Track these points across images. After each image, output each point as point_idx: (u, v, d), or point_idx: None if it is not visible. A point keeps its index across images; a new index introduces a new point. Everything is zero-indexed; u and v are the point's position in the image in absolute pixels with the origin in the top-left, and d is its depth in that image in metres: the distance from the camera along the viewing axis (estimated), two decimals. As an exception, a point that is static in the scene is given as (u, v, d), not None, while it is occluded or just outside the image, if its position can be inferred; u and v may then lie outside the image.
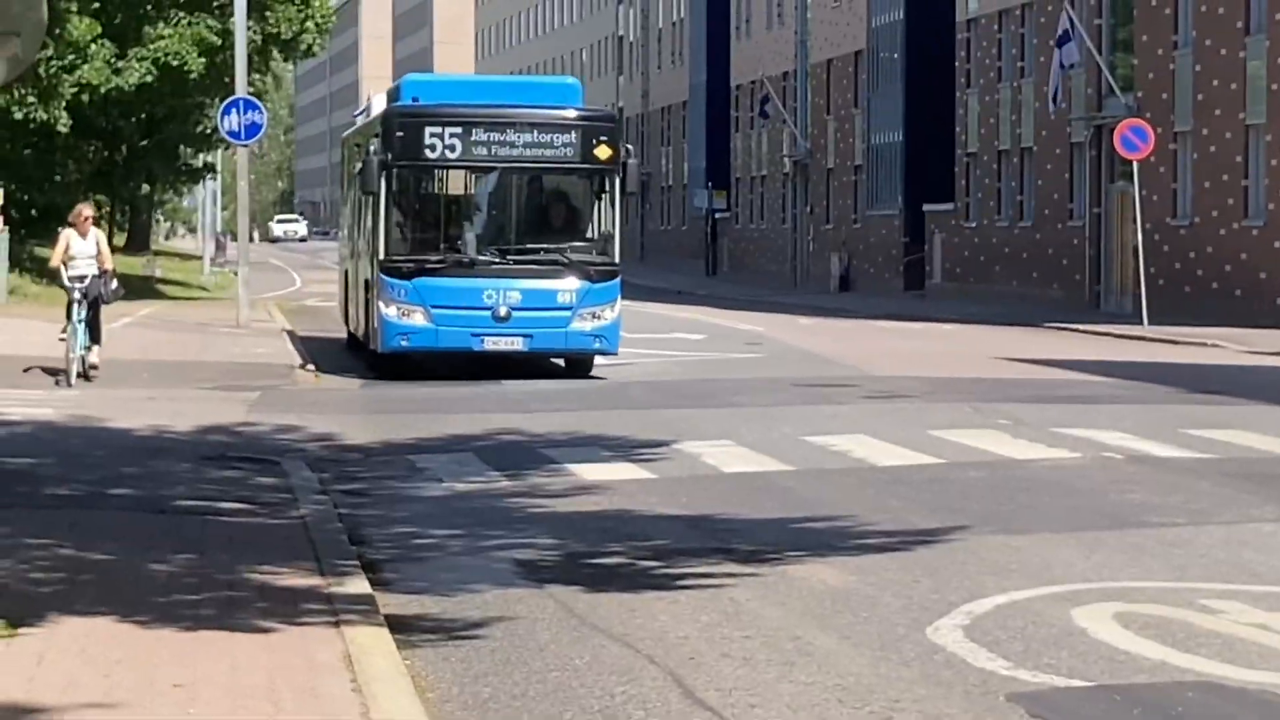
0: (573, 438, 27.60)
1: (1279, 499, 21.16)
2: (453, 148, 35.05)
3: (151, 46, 62.52)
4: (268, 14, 64.21)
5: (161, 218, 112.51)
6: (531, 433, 28.55)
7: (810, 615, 14.99)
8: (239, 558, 16.64)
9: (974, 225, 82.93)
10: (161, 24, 62.81)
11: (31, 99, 55.82)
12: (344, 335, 52.32)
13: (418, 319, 35.18)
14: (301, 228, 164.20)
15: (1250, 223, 57.81)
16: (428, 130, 35.27)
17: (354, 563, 16.79)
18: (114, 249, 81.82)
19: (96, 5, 56.58)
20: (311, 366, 42.51)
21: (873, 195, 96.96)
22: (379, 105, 45.80)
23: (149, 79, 62.58)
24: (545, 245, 36.32)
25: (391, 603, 15.32)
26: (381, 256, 36.50)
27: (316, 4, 69.41)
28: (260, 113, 50.52)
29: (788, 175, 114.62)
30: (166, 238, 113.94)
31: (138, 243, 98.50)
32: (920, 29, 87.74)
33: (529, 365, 35.65)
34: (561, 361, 44.38)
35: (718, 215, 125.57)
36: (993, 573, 16.44)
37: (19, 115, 57.56)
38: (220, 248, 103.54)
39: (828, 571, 16.84)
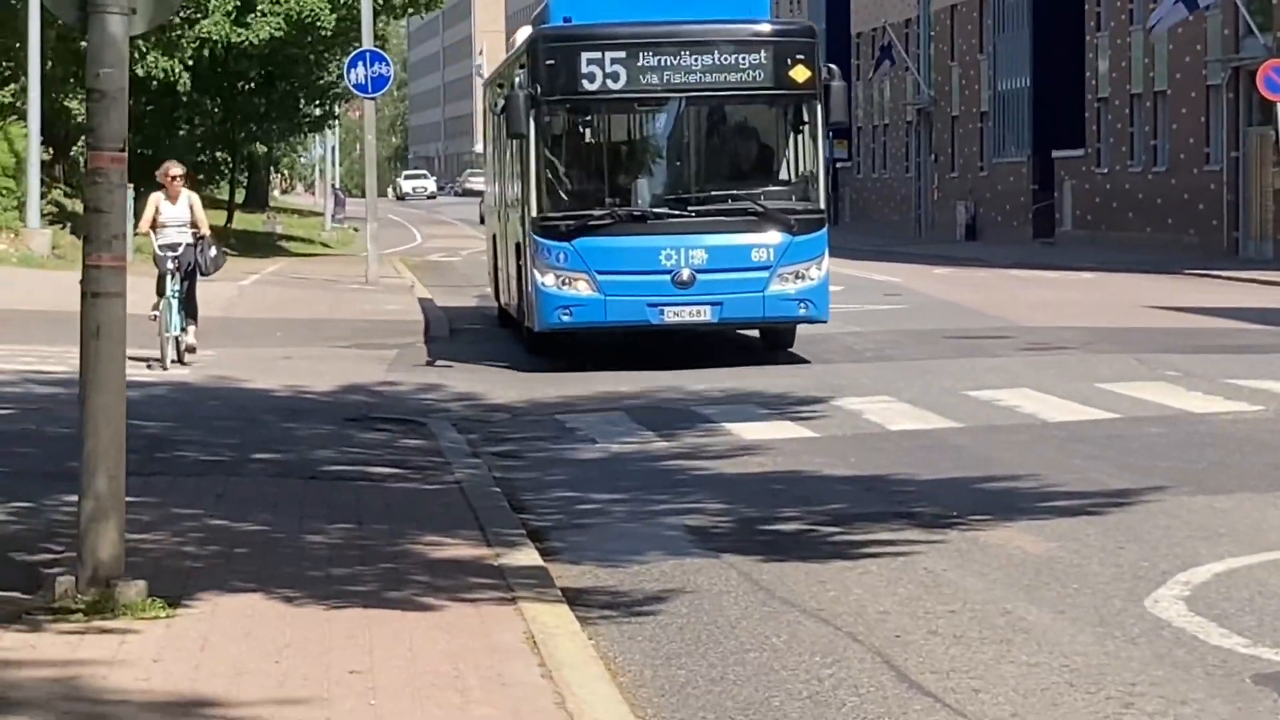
0: (727, 395, 27.05)
1: None
2: (615, 76, 27.05)
3: (291, 4, 61.88)
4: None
5: (279, 173, 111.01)
6: (683, 390, 27.90)
7: (1016, 586, 14.20)
8: (398, 527, 16.12)
9: (1106, 171, 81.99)
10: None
11: (153, 54, 55.34)
12: (480, 301, 48.72)
13: (581, 288, 27.61)
14: (430, 184, 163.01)
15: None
16: (584, 55, 27.55)
17: (519, 531, 16.25)
18: (233, 206, 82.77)
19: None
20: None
21: (999, 142, 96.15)
22: (525, 35, 36.94)
23: (279, 33, 61.95)
24: (734, 191, 28.32)
25: (563, 574, 14.73)
26: (534, 214, 28.77)
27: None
28: (387, 64, 49.69)
29: (911, 123, 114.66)
30: (284, 193, 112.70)
31: (257, 199, 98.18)
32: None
33: (718, 347, 28.64)
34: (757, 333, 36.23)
35: (839, 165, 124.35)
36: (1203, 537, 15.55)
37: (140, 71, 56.77)
38: (339, 203, 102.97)
39: (1024, 537, 16.08)
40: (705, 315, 26.49)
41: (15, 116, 50.38)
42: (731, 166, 27.15)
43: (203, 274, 30.51)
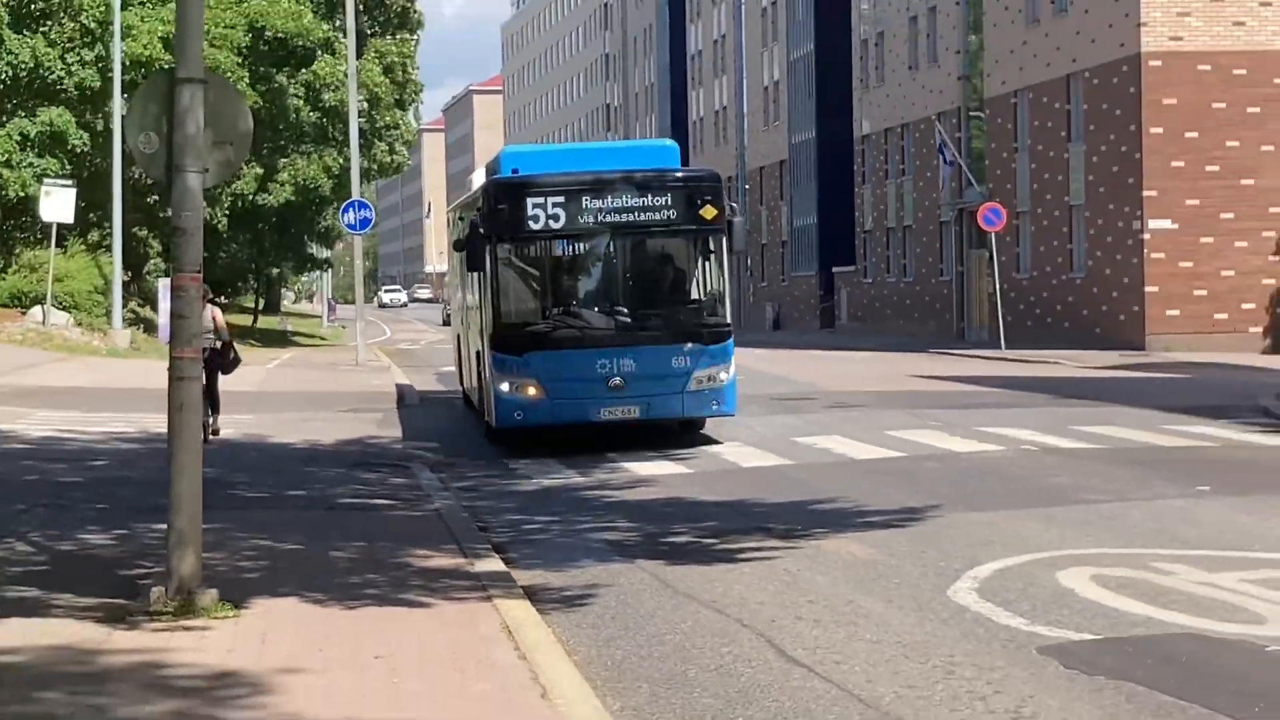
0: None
1: (1169, 478, 20.00)
2: (556, 216, 24.85)
3: (293, 171, 61.55)
4: (372, 149, 63.00)
5: (289, 288, 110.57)
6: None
7: (853, 582, 13.89)
8: (398, 544, 15.67)
9: (870, 281, 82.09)
10: (297, 156, 61.72)
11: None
12: (438, 377, 46.12)
13: (532, 393, 24.73)
14: (404, 295, 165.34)
15: (1074, 275, 56.68)
16: (530, 201, 24.95)
17: (486, 545, 15.92)
18: (257, 311, 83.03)
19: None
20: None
21: (796, 261, 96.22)
22: (480, 180, 34.49)
23: (292, 198, 61.69)
24: (656, 310, 25.79)
25: (521, 577, 14.32)
26: (491, 331, 25.65)
27: (402, 130, 68.71)
28: (369, 210, 48.99)
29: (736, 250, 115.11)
30: (294, 302, 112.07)
31: (273, 307, 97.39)
32: (827, 143, 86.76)
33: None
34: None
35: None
36: (981, 544, 15.29)
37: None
38: (332, 309, 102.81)
39: (852, 545, 15.72)
40: (635, 413, 23.99)
41: (104, 249, 49.48)
42: (654, 289, 24.81)
43: (224, 373, 26.72)
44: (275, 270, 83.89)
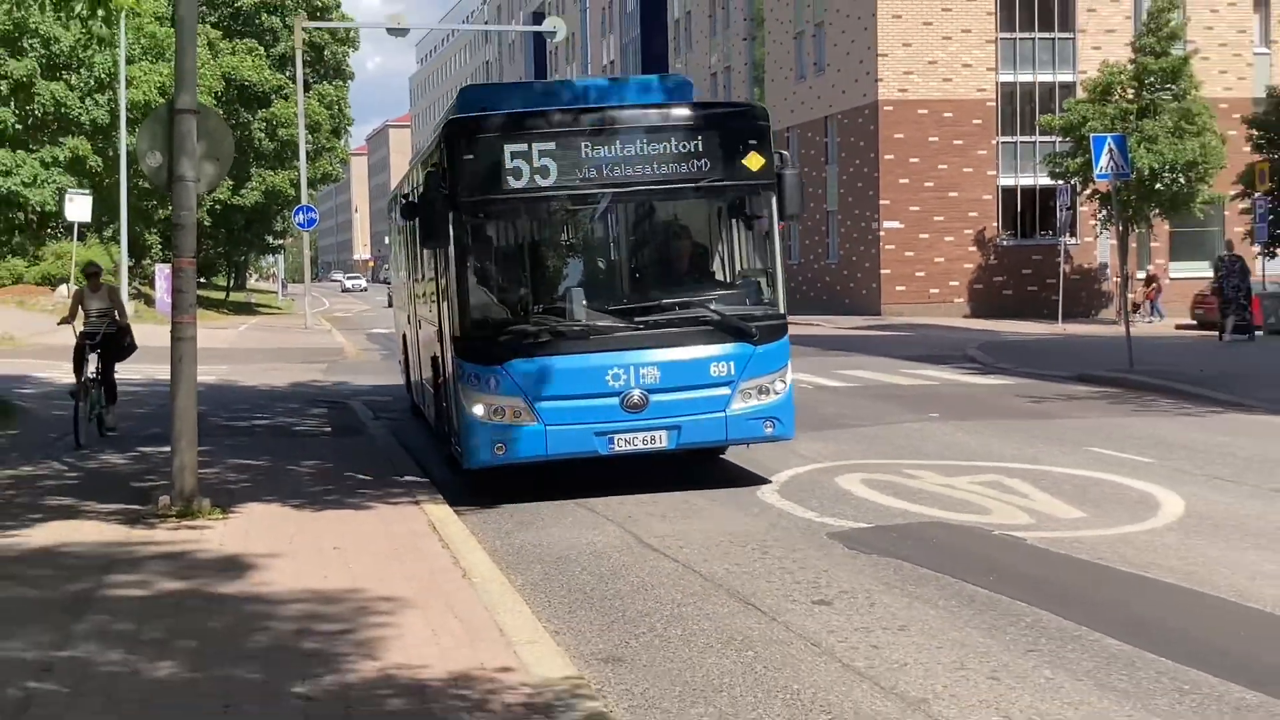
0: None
1: (909, 408, 19.87)
2: (545, 170, 12.67)
3: (264, 179, 60.51)
4: (315, 163, 61.74)
5: (251, 270, 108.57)
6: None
7: (688, 487, 13.40)
8: (344, 463, 15.09)
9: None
10: (265, 171, 60.65)
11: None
12: (369, 340, 42.98)
13: (517, 418, 12.97)
14: (363, 281, 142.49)
15: (829, 261, 56.91)
16: (508, 148, 12.77)
17: (412, 462, 15.27)
18: (229, 289, 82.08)
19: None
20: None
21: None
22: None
23: (260, 201, 60.56)
24: (687, 298, 13.49)
25: (440, 487, 13.61)
26: (457, 333, 13.40)
27: (336, 150, 67.71)
28: (315, 213, 48.12)
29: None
30: (256, 281, 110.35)
31: (239, 285, 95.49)
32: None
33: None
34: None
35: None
36: (777, 458, 14.83)
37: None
38: (284, 286, 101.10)
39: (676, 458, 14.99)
40: (661, 441, 13.15)
41: (113, 241, 48.47)
42: (682, 270, 13.39)
43: (118, 360, 17.45)
44: (243, 257, 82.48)
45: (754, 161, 12.72)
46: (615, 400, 12.43)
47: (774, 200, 12.82)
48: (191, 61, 12.12)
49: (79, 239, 45.63)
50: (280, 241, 79.11)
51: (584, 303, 12.68)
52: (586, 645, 8.00)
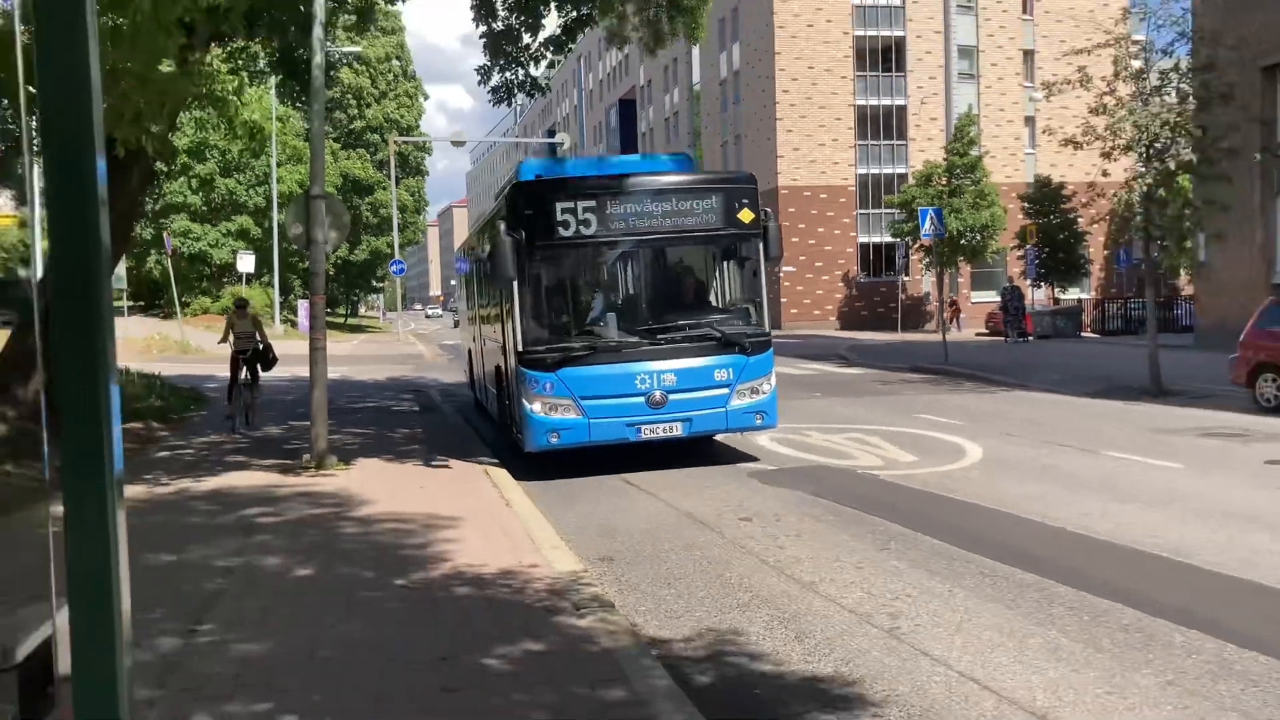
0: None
1: (802, 389, 19.58)
2: (587, 222, 11.40)
3: (369, 242, 59.88)
4: (404, 232, 60.97)
5: (361, 304, 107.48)
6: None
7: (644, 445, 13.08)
8: (430, 434, 14.76)
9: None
10: (370, 236, 59.96)
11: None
12: (441, 349, 41.89)
13: (567, 413, 11.36)
14: (440, 310, 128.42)
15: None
16: (559, 205, 11.42)
17: (471, 430, 14.99)
18: (346, 315, 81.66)
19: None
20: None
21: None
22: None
23: (368, 257, 60.00)
24: (696, 320, 11.89)
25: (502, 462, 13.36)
26: (520, 348, 11.63)
27: (418, 224, 67.13)
28: (404, 265, 47.65)
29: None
30: (366, 310, 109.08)
31: (354, 313, 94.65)
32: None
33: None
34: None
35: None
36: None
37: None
38: (384, 314, 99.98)
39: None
40: (677, 430, 12.04)
41: (269, 284, 48.00)
42: (690, 298, 12.49)
43: (264, 369, 16.00)
44: (356, 295, 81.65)
45: (745, 216, 11.62)
46: (642, 399, 11.21)
47: (761, 246, 11.67)
48: (320, 163, 12.02)
49: (246, 284, 45.35)
50: (380, 285, 78.31)
51: (617, 324, 11.49)
52: (590, 550, 7.97)
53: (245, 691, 4.82)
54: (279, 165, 46.69)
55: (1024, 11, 52.54)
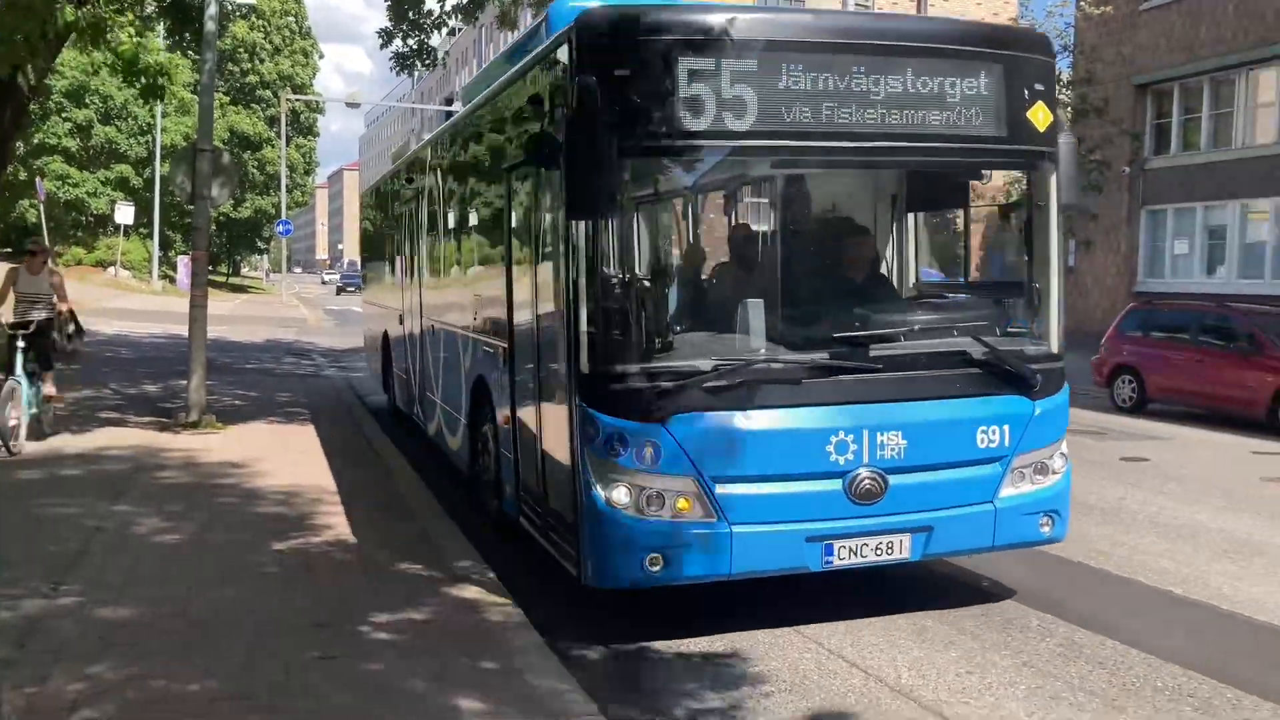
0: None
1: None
2: (739, 107, 3.10)
3: (254, 201, 57.88)
4: (291, 193, 59.17)
5: (244, 264, 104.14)
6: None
7: None
8: (312, 394, 14.56)
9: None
10: (256, 195, 58.02)
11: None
12: (324, 314, 40.96)
13: (684, 511, 3.64)
14: (338, 276, 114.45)
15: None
16: (684, 63, 3.05)
17: (354, 397, 14.61)
18: (228, 274, 78.91)
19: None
20: None
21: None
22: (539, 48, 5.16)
23: (250, 214, 58.11)
24: (940, 319, 4.19)
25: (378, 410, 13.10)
26: (587, 368, 3.77)
27: (306, 185, 65.46)
28: (290, 226, 46.76)
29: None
30: (248, 271, 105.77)
31: (236, 272, 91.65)
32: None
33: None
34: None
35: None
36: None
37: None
38: (268, 275, 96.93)
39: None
40: (902, 550, 4.28)
41: (148, 237, 46.31)
42: (931, 279, 4.95)
43: (53, 350, 9.86)
44: (239, 254, 79.07)
45: (1039, 116, 5.23)
46: (837, 483, 4.98)
47: (1054, 179, 5.38)
48: (209, 116, 11.62)
49: (124, 236, 43.66)
50: (266, 245, 76.04)
51: (793, 326, 5.07)
52: (474, 516, 7.84)
53: (112, 654, 4.64)
54: (164, 115, 44.84)
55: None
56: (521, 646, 4.88)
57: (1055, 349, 5.40)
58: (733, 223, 6.12)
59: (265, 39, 60.83)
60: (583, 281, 4.65)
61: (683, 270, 5.90)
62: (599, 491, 4.72)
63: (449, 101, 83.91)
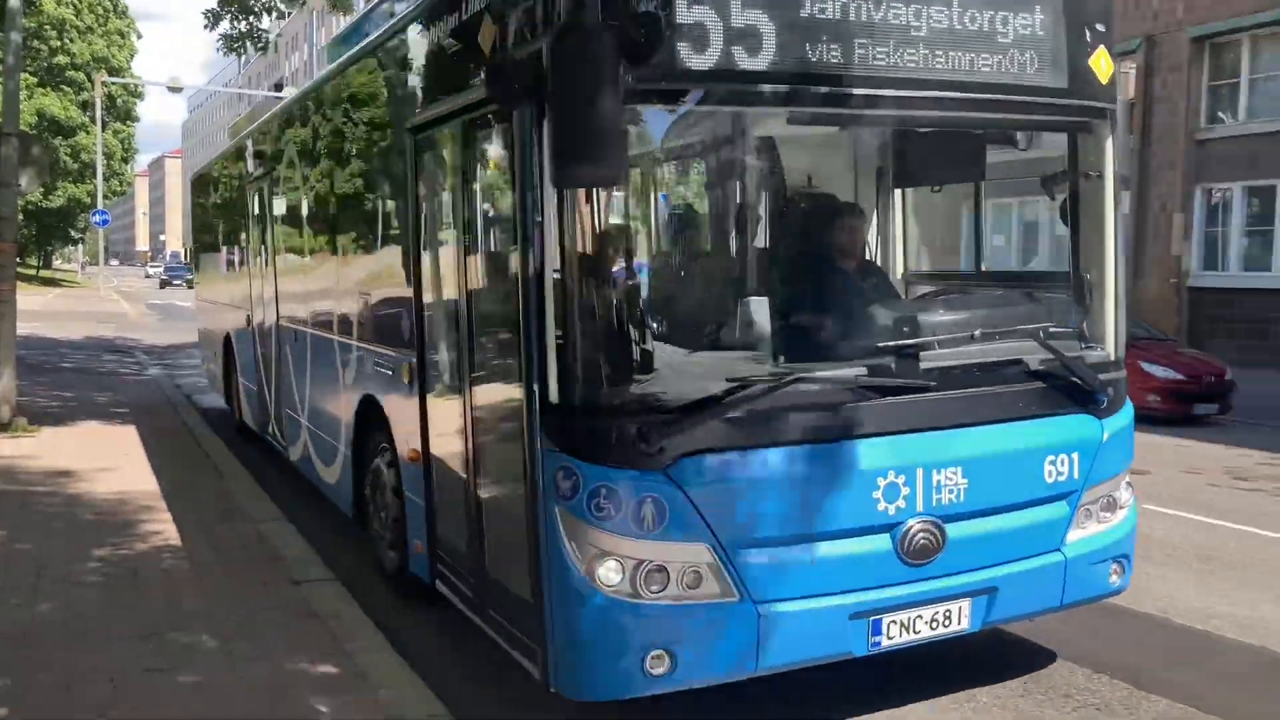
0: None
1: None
2: (755, 43, 1.93)
3: (68, 189, 54.55)
4: (108, 181, 55.99)
5: (55, 257, 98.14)
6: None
7: None
8: (137, 394, 13.78)
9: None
10: (69, 183, 54.63)
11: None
12: (148, 308, 38.66)
13: (693, 587, 2.37)
14: (163, 269, 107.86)
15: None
16: None
17: (182, 396, 13.87)
18: (39, 267, 74.13)
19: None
20: None
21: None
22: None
23: (62, 203, 54.73)
24: (1010, 322, 2.82)
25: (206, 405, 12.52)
26: (555, 394, 2.42)
27: (125, 175, 62.12)
28: (107, 215, 44.18)
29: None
30: (62, 264, 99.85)
31: (47, 265, 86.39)
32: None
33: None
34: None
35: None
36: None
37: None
38: (83, 267, 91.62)
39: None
40: (961, 620, 2.85)
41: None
42: (987, 266, 3.60)
43: None
44: (50, 245, 74.45)
45: (1103, 65, 3.84)
46: (886, 539, 3.55)
47: (1109, 144, 4.00)
48: (15, 97, 10.87)
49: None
50: (81, 236, 71.85)
51: (833, 332, 3.83)
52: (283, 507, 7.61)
53: (-89, 678, 4.30)
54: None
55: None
56: (364, 646, 4.77)
57: (1114, 355, 4.06)
58: (773, 199, 4.33)
59: (76, 16, 57.37)
60: (548, 275, 3.16)
61: (684, 270, 4.25)
62: (576, 566, 3.23)
63: (278, 87, 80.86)
